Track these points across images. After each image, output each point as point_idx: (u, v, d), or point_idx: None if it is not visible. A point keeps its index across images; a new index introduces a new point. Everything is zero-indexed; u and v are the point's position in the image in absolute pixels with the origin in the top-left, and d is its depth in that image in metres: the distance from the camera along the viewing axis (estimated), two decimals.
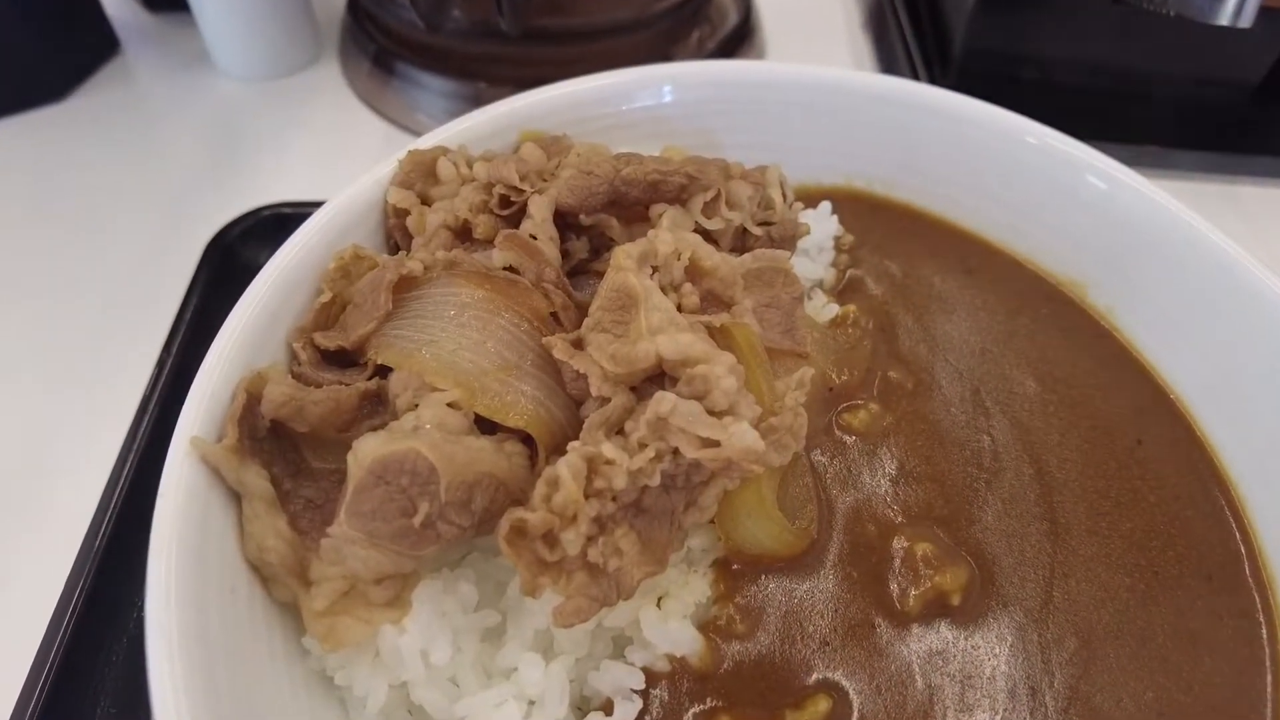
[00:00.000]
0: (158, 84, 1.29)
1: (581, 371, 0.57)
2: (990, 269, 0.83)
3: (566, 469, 0.53)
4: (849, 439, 0.69)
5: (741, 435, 0.54)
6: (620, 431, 0.57)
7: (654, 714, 0.56)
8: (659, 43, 1.24)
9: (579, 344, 0.60)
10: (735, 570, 0.62)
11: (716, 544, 0.63)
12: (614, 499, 0.55)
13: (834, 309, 0.76)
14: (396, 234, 0.72)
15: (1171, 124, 1.31)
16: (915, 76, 1.34)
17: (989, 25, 1.27)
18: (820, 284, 0.80)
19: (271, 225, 0.99)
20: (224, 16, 1.22)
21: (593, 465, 0.54)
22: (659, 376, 0.60)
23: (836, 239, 0.83)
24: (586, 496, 0.54)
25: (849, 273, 0.81)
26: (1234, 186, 1.28)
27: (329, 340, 0.64)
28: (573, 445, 0.55)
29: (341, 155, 1.20)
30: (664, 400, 0.55)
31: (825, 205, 0.82)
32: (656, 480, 0.54)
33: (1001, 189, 0.83)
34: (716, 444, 0.54)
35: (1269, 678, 0.62)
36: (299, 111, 1.26)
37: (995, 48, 1.29)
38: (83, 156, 1.19)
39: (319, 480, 0.60)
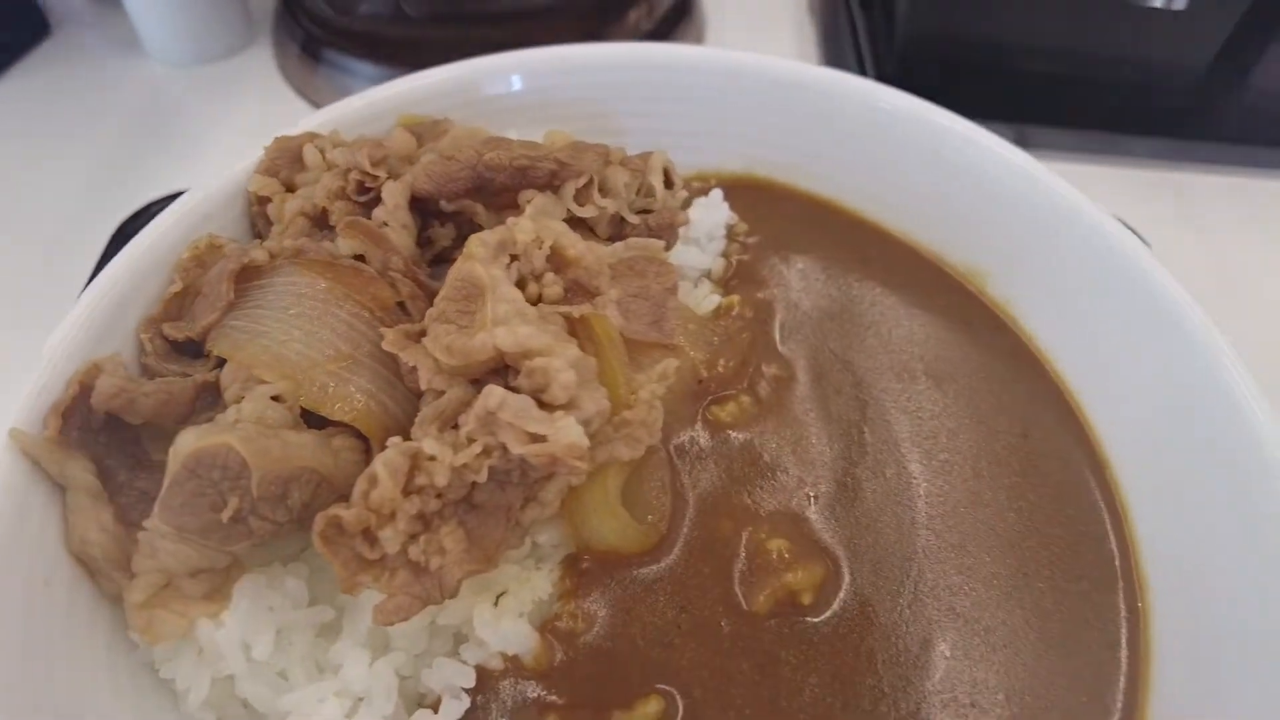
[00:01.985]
0: (88, 68, 1.27)
1: (411, 365, 0.56)
2: (888, 259, 0.81)
3: (382, 466, 0.52)
4: (716, 431, 0.67)
5: (566, 431, 0.52)
6: (456, 426, 0.56)
7: (483, 713, 0.55)
8: (591, 24, 1.22)
9: (423, 335, 0.59)
10: (584, 567, 0.61)
11: (568, 540, 0.61)
12: (439, 495, 0.53)
13: (715, 300, 0.75)
14: (259, 222, 0.70)
15: (1119, 109, 1.28)
16: (859, 59, 1.31)
17: (931, 7, 1.24)
18: (708, 274, 0.79)
19: None
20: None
21: (416, 461, 0.53)
22: (506, 369, 0.59)
23: (730, 227, 0.81)
24: (407, 493, 0.53)
25: (740, 261, 0.79)
26: (1178, 174, 1.25)
27: (178, 331, 0.63)
28: (393, 441, 0.53)
29: (267, 142, 1.18)
30: (492, 394, 0.53)
31: (716, 193, 0.81)
32: (484, 476, 0.53)
33: (901, 176, 0.81)
34: (544, 439, 0.52)
35: (1122, 683, 0.60)
36: (228, 98, 1.25)
37: (939, 31, 1.26)
38: (9, 139, 1.18)
39: (156, 473, 0.58)
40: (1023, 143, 1.31)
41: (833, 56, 1.37)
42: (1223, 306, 1.09)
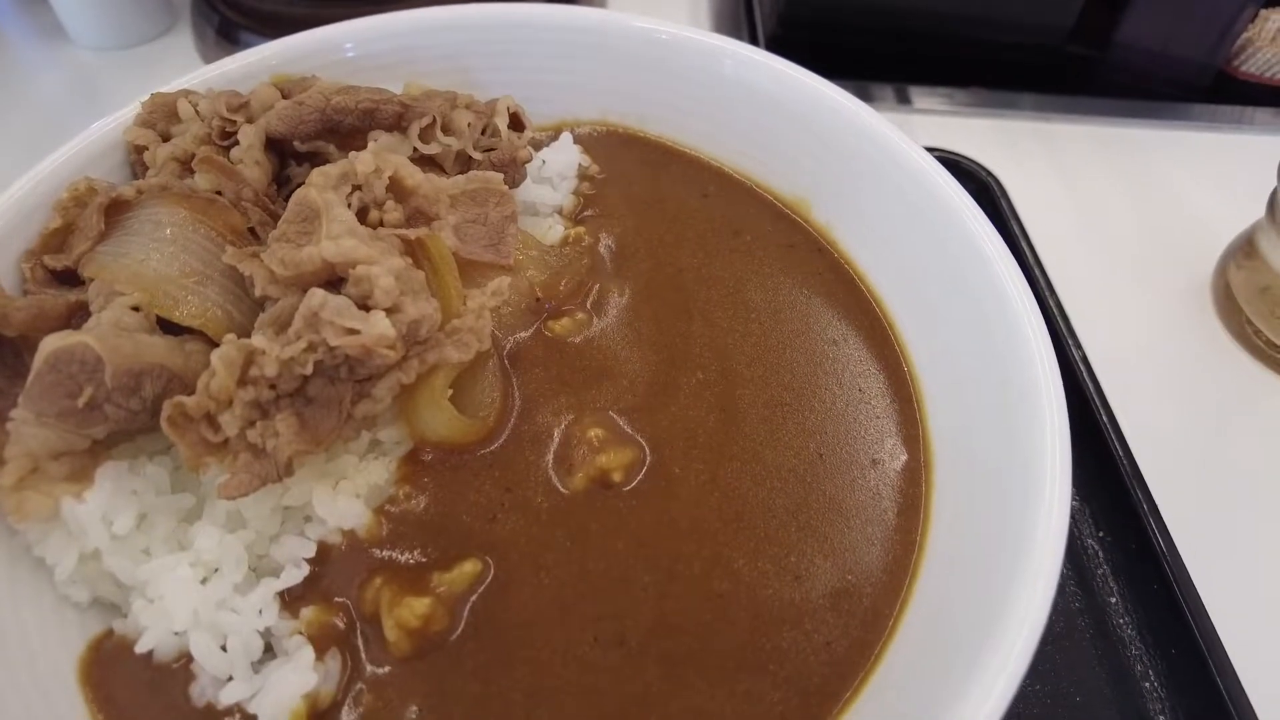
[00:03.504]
0: (14, 56, 1.35)
1: (249, 274, 0.63)
2: (725, 193, 0.89)
3: (218, 358, 0.59)
4: (550, 342, 0.75)
5: (376, 324, 0.60)
6: (289, 329, 0.64)
7: (320, 578, 0.63)
8: None
9: None
10: (423, 459, 0.68)
11: (408, 439, 0.69)
12: (272, 387, 0.61)
13: (561, 229, 0.83)
14: (138, 169, 0.78)
15: (992, 67, 1.37)
16: (751, 22, 1.40)
17: None
18: (560, 209, 0.86)
19: None
20: None
21: (250, 356, 0.61)
22: (340, 282, 0.66)
23: (581, 169, 0.88)
24: (243, 383, 0.60)
25: (589, 197, 0.87)
26: (1047, 125, 1.34)
27: (57, 261, 0.70)
28: (229, 338, 0.61)
29: None
30: (314, 295, 0.61)
31: (566, 136, 0.89)
32: (310, 369, 0.61)
33: (738, 119, 0.89)
34: (357, 332, 0.60)
35: (913, 560, 0.68)
36: (147, 81, 1.29)
37: None
38: None
39: None
40: (904, 100, 1.40)
41: (726, 19, 1.46)
42: (1082, 241, 1.19)
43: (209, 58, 1.34)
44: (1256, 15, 1.40)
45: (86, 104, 1.30)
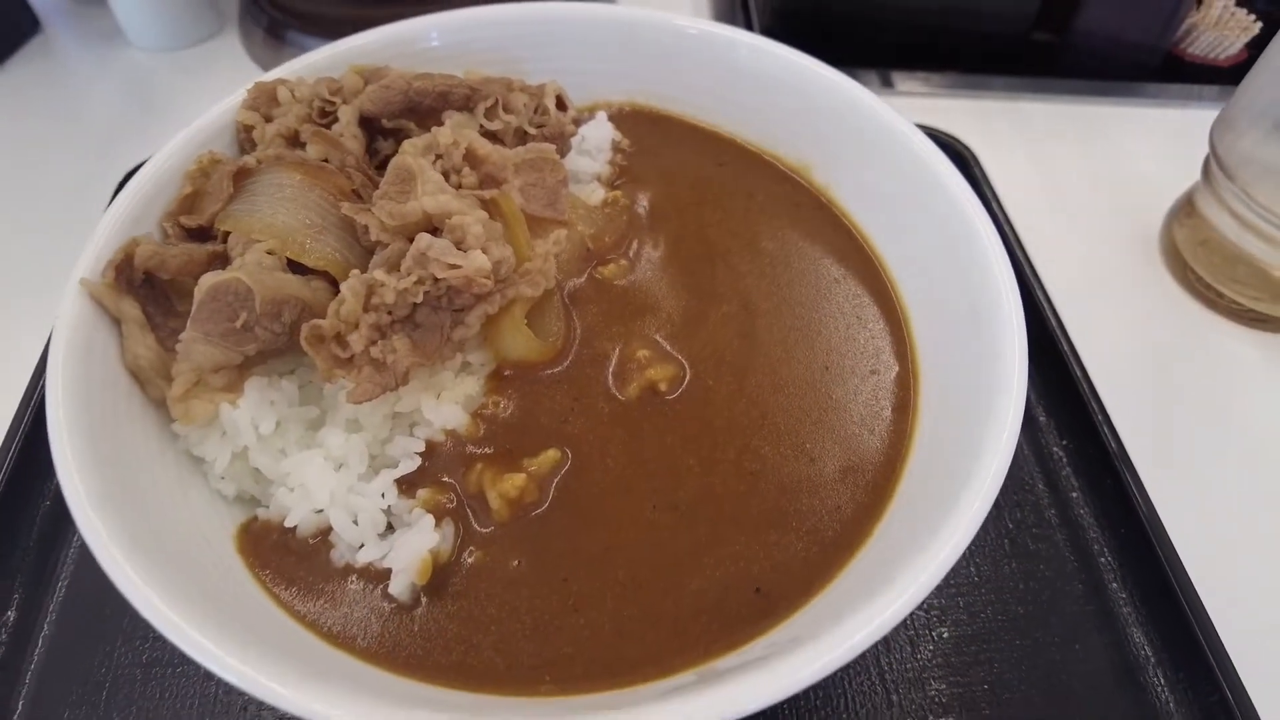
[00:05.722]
0: (76, 58, 1.48)
1: (364, 224, 0.78)
2: (739, 162, 1.04)
3: (347, 288, 0.74)
4: (600, 284, 0.90)
5: (475, 259, 0.74)
6: (398, 268, 0.78)
7: (431, 467, 0.77)
8: None
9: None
10: (505, 376, 0.83)
11: (492, 360, 0.84)
12: (389, 313, 0.75)
13: (601, 194, 0.97)
14: (246, 146, 0.92)
15: (966, 53, 1.53)
16: (746, 14, 1.55)
17: None
18: (599, 176, 1.01)
19: None
20: None
21: (372, 288, 0.75)
22: (434, 231, 0.81)
23: (615, 143, 1.03)
24: (366, 309, 0.75)
25: (623, 167, 1.02)
26: (1017, 104, 1.50)
27: (191, 221, 0.84)
28: (354, 273, 0.75)
29: None
30: (423, 238, 0.75)
31: (601, 115, 1.03)
32: (420, 299, 0.75)
33: (747, 95, 1.04)
34: (459, 267, 0.74)
35: (905, 444, 0.83)
36: (202, 78, 1.45)
37: None
38: (9, 124, 1.38)
39: (182, 318, 0.80)
40: (887, 83, 1.56)
41: (723, 12, 1.61)
42: (1048, 205, 1.35)
43: (257, 56, 1.47)
44: (1200, 2, 1.57)
45: (146, 99, 1.43)
